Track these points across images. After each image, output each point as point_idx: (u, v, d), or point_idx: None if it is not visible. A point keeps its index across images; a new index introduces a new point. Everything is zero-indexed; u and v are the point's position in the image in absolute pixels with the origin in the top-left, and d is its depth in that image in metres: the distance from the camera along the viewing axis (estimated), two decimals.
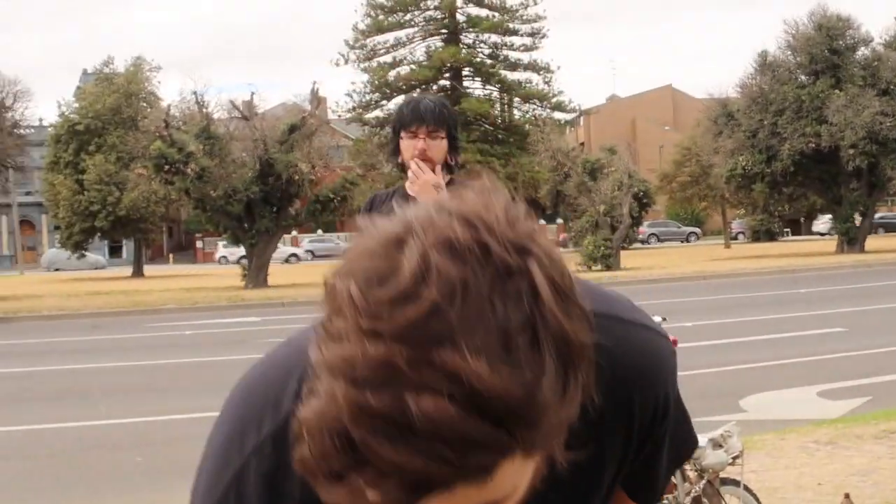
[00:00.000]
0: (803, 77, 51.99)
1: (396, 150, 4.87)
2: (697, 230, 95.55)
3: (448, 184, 4.80)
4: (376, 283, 1.06)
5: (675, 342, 6.92)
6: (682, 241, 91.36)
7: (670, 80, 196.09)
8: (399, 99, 74.53)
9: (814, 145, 48.88)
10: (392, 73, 76.78)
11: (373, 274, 1.07)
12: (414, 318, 1.04)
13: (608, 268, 43.07)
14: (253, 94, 44.52)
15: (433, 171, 4.73)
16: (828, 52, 50.96)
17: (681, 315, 21.80)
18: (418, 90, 71.36)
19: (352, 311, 1.06)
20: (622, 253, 48.22)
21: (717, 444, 5.36)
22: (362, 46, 78.01)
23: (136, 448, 10.45)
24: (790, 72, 52.27)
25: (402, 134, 4.80)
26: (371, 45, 78.33)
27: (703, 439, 4.98)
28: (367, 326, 1.04)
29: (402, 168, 4.90)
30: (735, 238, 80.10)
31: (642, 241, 76.42)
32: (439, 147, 4.80)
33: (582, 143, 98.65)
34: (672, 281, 36.37)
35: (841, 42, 51.49)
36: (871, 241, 54.51)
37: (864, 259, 42.83)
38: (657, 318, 7.09)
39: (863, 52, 52.95)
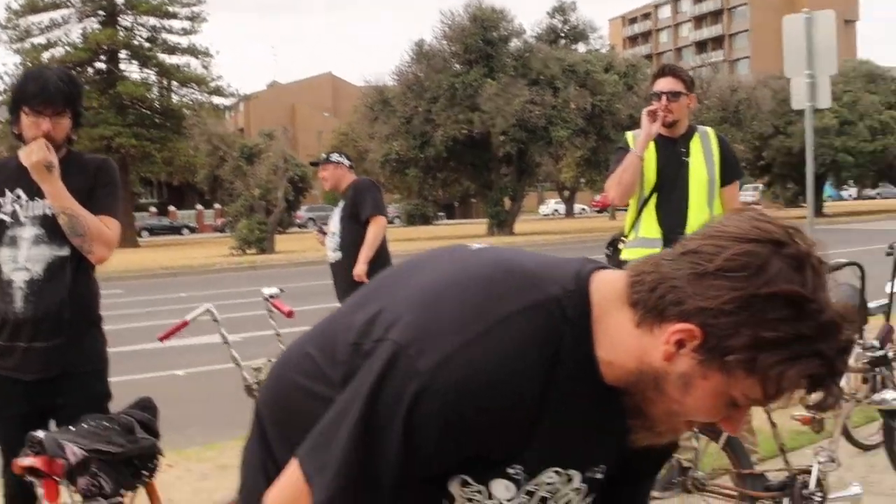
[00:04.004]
0: (458, 66, 52.96)
1: (17, 121, 4.50)
2: None
3: (65, 157, 4.57)
4: None
5: (290, 314, 7.03)
6: None
7: (331, 68, 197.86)
8: None
9: (466, 132, 49.99)
10: (46, 55, 73.80)
11: None
12: None
13: (262, 251, 43.07)
14: None
15: (49, 148, 4.41)
16: (482, 42, 52.10)
17: (330, 296, 22.13)
18: (74, 72, 68.93)
19: None
20: (278, 237, 48.31)
21: None
22: (15, 27, 74.72)
23: None
24: (445, 60, 53.19)
25: (25, 109, 4.45)
26: (25, 25, 75.05)
27: None
28: None
29: (20, 138, 4.52)
30: (392, 222, 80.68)
31: (300, 226, 76.43)
32: (64, 126, 4.51)
33: (241, 129, 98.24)
34: (325, 263, 36.42)
35: (495, 33, 52.63)
36: (520, 225, 56.79)
37: (513, 241, 44.27)
38: (274, 290, 7.18)
39: (515, 43, 54.27)
